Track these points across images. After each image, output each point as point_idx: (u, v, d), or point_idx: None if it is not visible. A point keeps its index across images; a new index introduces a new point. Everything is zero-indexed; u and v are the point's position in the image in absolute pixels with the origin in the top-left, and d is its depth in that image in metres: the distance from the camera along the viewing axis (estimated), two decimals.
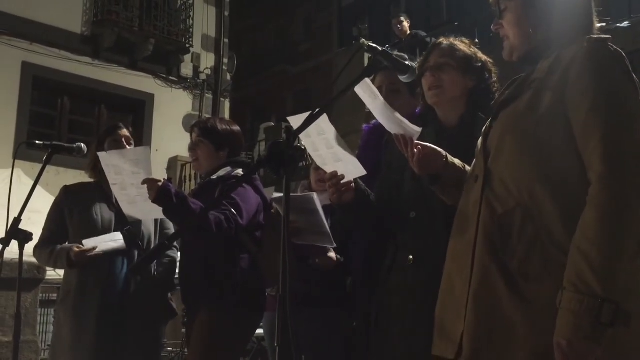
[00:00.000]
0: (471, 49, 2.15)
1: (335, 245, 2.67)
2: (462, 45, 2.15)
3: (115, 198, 2.94)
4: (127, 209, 2.77)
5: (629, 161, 1.40)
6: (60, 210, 3.01)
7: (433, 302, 1.70)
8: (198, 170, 3.01)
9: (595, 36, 1.57)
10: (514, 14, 1.68)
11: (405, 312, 2.00)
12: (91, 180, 3.09)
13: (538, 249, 1.47)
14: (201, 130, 2.89)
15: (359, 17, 17.77)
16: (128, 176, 2.64)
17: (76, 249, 2.81)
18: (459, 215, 1.69)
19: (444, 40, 2.17)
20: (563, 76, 1.51)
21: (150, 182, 2.52)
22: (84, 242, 2.84)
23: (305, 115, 1.63)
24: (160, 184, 2.51)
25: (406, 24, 9.48)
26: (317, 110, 1.60)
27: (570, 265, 1.38)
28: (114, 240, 2.87)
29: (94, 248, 2.81)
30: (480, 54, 2.15)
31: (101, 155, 2.74)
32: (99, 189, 3.01)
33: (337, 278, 2.77)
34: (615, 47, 1.52)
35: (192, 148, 2.92)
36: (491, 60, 2.17)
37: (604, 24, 6.74)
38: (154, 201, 2.51)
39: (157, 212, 2.60)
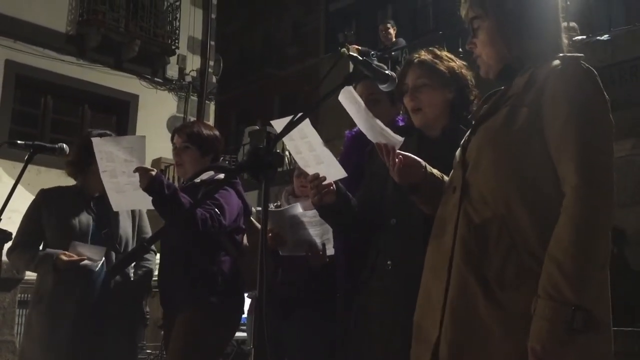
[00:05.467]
0: (444, 62, 2.17)
1: (330, 251, 2.70)
2: (435, 59, 2.17)
3: (94, 203, 2.94)
4: (114, 198, 2.72)
5: (600, 174, 1.46)
6: (37, 212, 2.98)
7: (411, 306, 1.73)
8: (182, 175, 3.00)
9: (569, 54, 1.63)
10: (487, 33, 1.73)
11: (384, 316, 2.04)
12: (70, 184, 3.07)
13: (513, 258, 1.51)
14: (188, 135, 2.90)
15: (346, 22, 17.82)
16: (120, 164, 2.61)
17: (64, 257, 2.79)
18: (436, 225, 1.73)
19: (415, 58, 2.20)
20: (538, 92, 1.57)
21: (142, 170, 2.52)
22: (74, 243, 2.82)
23: (296, 124, 1.65)
24: (153, 173, 2.51)
25: (392, 32, 9.57)
26: (299, 116, 1.63)
27: (545, 273, 1.43)
28: (97, 256, 2.85)
29: (85, 258, 2.81)
30: (452, 63, 2.18)
31: (95, 140, 2.70)
32: (78, 193, 3.00)
33: (323, 281, 2.79)
34: (587, 65, 1.58)
35: (178, 153, 2.92)
36: (464, 64, 2.21)
37: (584, 37, 6.85)
38: (144, 189, 2.50)
39: (145, 202, 2.58)
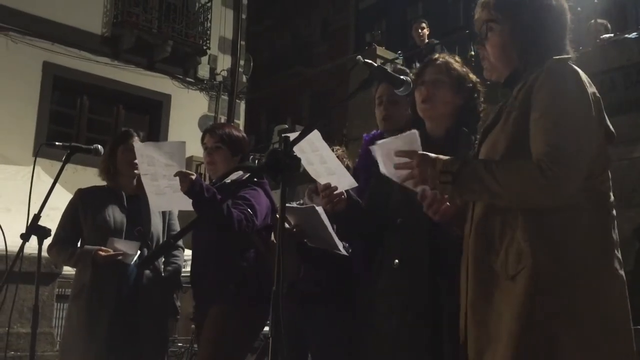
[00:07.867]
0: (464, 69, 2.29)
1: (342, 250, 2.78)
2: (456, 64, 2.29)
3: (127, 201, 3.09)
4: (154, 200, 2.88)
5: (568, 156, 1.55)
6: (75, 211, 3.16)
7: (416, 302, 1.82)
8: (213, 174, 3.15)
9: (559, 57, 1.71)
10: (500, 38, 1.81)
11: (391, 312, 2.13)
12: (104, 184, 3.24)
13: (514, 247, 1.64)
14: (219, 137, 3.05)
15: (375, 20, 17.79)
16: (161, 167, 2.75)
17: (102, 253, 2.96)
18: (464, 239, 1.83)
19: (439, 57, 2.31)
20: (527, 92, 1.68)
21: (183, 175, 2.66)
22: (112, 239, 2.99)
23: (305, 134, 1.75)
24: (193, 177, 2.66)
25: (426, 31, 9.46)
26: (311, 126, 1.75)
27: None
28: (132, 250, 3.02)
29: (122, 253, 2.97)
30: (471, 75, 2.29)
31: (137, 145, 2.87)
32: (111, 192, 3.17)
33: (344, 278, 2.87)
34: (573, 66, 1.67)
35: (210, 153, 3.06)
36: (480, 81, 2.30)
37: (612, 35, 6.76)
38: (186, 193, 2.64)
39: (184, 204, 2.72)
